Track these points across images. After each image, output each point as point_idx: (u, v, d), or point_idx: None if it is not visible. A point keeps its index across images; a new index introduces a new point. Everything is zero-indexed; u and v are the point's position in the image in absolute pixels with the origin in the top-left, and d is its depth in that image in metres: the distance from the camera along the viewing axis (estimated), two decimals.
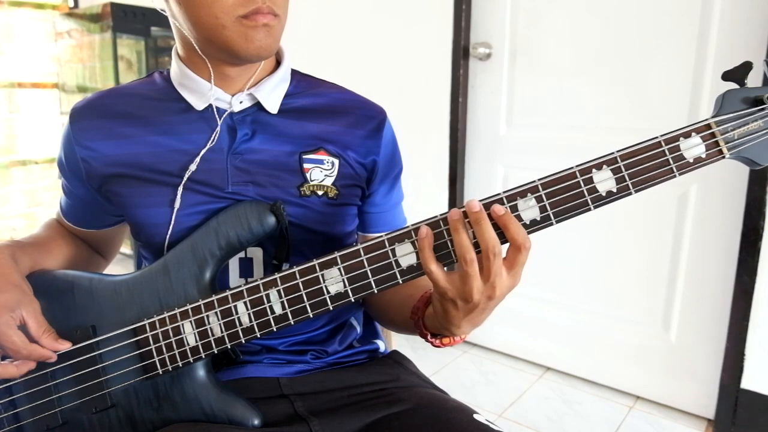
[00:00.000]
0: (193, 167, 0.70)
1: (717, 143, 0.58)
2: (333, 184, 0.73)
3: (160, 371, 0.66)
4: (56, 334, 0.67)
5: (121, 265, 2.90)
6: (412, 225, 0.61)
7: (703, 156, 0.58)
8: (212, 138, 0.71)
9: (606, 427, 1.67)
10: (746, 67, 0.58)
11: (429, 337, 0.67)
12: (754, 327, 1.52)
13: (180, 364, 0.65)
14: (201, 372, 0.67)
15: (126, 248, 3.00)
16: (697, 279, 1.65)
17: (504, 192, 0.59)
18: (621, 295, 1.80)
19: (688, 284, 1.67)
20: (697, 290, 1.66)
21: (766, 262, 1.48)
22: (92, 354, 0.67)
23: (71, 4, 3.20)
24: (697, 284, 1.66)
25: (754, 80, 0.58)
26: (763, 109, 0.58)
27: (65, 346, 0.67)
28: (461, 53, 1.93)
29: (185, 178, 0.70)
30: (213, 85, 0.71)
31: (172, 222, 0.70)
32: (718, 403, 1.62)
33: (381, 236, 0.61)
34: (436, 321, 0.64)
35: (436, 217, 0.60)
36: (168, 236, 0.71)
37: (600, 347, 1.86)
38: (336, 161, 0.74)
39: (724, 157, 0.59)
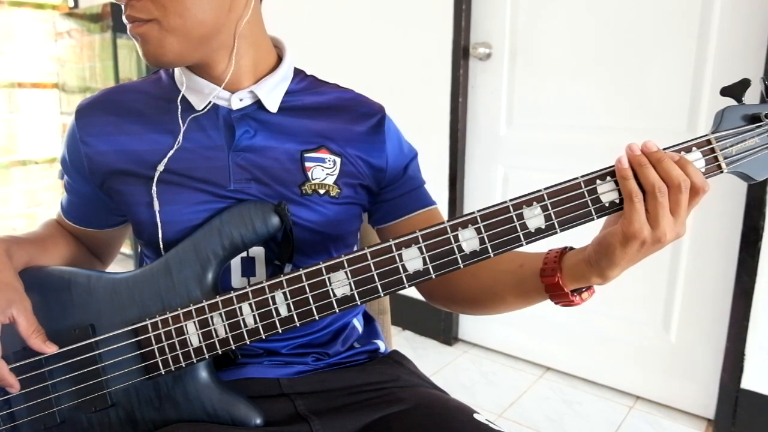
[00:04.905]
0: (160, 167, 0.70)
1: (716, 158, 0.60)
2: (335, 182, 0.73)
3: (162, 371, 0.66)
4: (45, 335, 0.66)
5: (120, 266, 2.89)
6: (420, 231, 0.61)
7: (703, 170, 0.59)
8: (178, 140, 0.71)
9: (606, 427, 1.67)
10: (744, 84, 0.60)
11: (570, 294, 0.65)
12: (754, 327, 1.52)
13: (183, 364, 0.65)
14: (203, 372, 0.67)
15: (126, 248, 3.00)
16: (697, 279, 1.65)
17: (510, 200, 0.60)
18: (621, 295, 1.80)
19: (688, 284, 1.67)
20: (697, 290, 1.66)
21: (766, 262, 1.48)
22: (92, 353, 0.66)
23: (71, 4, 3.20)
24: (697, 284, 1.66)
25: (753, 93, 0.59)
26: (760, 126, 0.60)
27: (52, 349, 0.66)
28: (461, 53, 1.93)
29: (156, 177, 0.70)
30: (208, 82, 0.71)
31: (158, 219, 0.70)
32: (718, 403, 1.62)
33: (388, 241, 0.62)
34: (586, 270, 0.62)
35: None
36: (160, 234, 0.70)
37: (600, 347, 1.87)
38: (338, 159, 0.74)
39: (722, 172, 0.60)
